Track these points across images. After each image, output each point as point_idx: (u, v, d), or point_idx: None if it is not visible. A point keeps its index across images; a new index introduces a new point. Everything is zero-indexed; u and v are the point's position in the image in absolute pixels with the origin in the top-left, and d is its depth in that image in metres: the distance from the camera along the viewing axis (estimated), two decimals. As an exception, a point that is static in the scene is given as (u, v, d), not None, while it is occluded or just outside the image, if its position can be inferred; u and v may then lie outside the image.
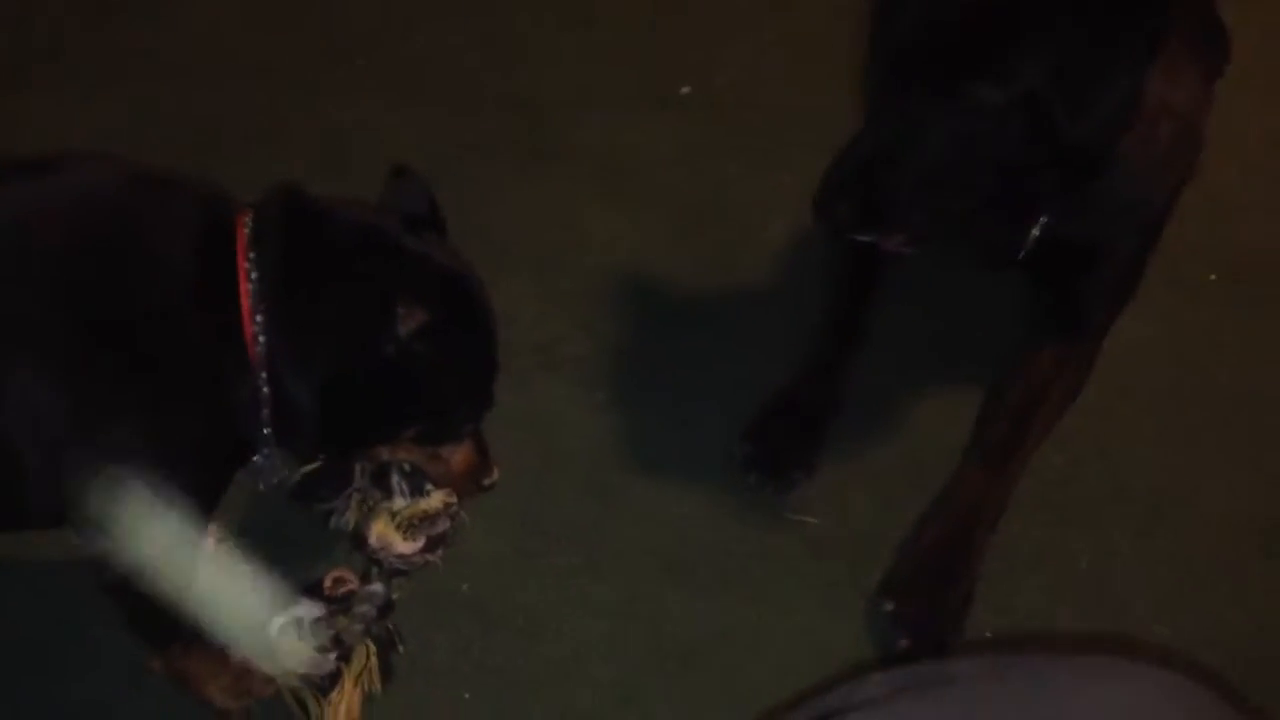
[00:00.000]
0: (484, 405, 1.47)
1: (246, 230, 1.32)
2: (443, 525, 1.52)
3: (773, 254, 2.03)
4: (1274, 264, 2.00)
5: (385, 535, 1.51)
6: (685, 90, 2.25)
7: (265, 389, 1.33)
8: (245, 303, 1.30)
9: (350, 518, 1.54)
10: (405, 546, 1.51)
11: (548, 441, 1.76)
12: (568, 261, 2.00)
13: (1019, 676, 0.86)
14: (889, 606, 1.59)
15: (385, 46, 2.36)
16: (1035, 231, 1.63)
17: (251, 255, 1.31)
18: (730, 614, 1.62)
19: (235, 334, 1.31)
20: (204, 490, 1.37)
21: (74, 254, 1.28)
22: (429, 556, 1.54)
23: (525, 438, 1.73)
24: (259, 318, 1.31)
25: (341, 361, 1.35)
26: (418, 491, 1.51)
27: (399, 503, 1.52)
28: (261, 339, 1.31)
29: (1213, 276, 1.99)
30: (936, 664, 0.95)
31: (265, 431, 1.37)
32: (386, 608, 1.51)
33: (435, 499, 1.51)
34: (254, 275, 1.31)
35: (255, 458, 1.41)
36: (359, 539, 1.53)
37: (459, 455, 1.50)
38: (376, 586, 1.51)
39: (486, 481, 1.52)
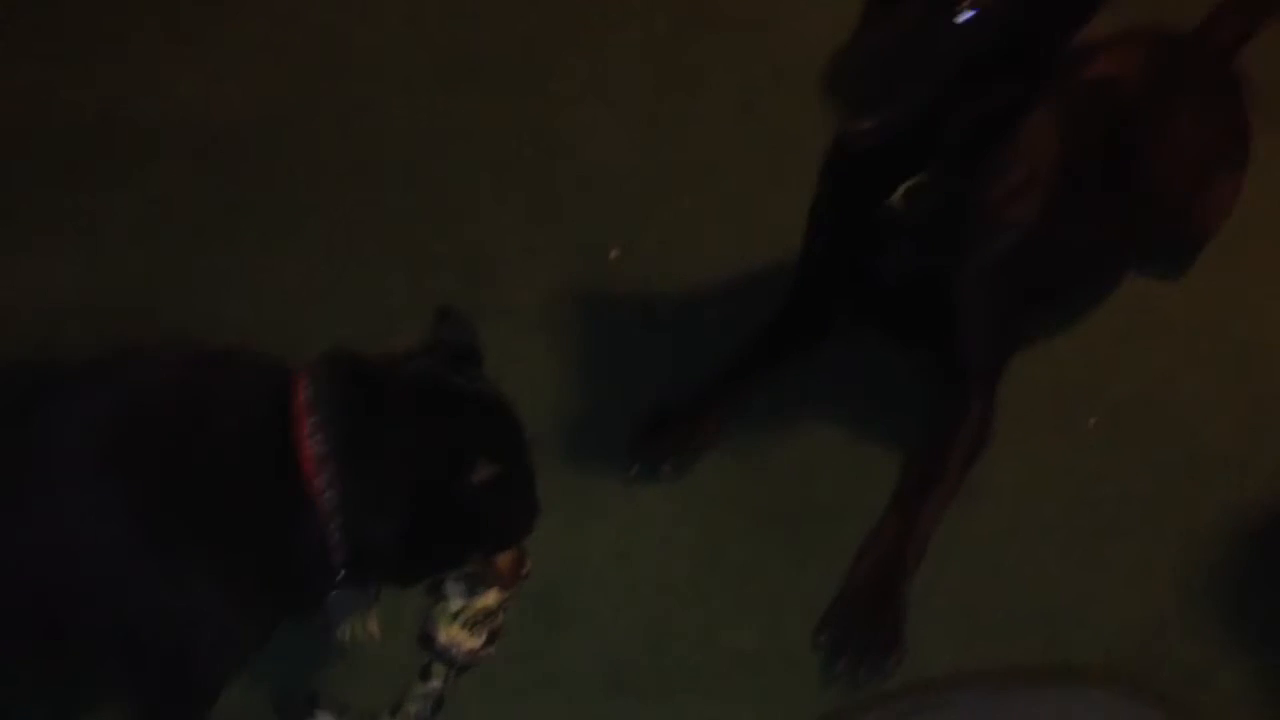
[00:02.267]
0: (534, 524, 1.62)
1: (305, 394, 1.42)
2: (500, 619, 1.68)
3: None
4: (1147, 411, 2.20)
5: (454, 635, 1.66)
6: (614, 254, 2.43)
7: (339, 537, 1.42)
8: (308, 465, 1.40)
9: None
10: (472, 643, 1.67)
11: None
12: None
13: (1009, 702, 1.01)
14: (827, 640, 1.83)
15: (345, 213, 2.51)
16: (905, 185, 1.87)
17: (312, 419, 1.41)
18: (671, 723, 1.75)
19: (301, 494, 1.40)
20: (259, 642, 1.51)
21: (142, 445, 1.39)
22: (490, 650, 1.69)
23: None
24: (326, 475, 1.40)
25: (416, 510, 1.46)
26: (473, 590, 1.66)
27: (456, 603, 1.67)
28: (329, 494, 1.40)
29: (1092, 421, 2.19)
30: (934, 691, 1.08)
31: (340, 575, 1.47)
32: (440, 703, 1.66)
33: (492, 597, 1.67)
34: (316, 436, 1.40)
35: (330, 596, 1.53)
36: (427, 640, 1.67)
37: (507, 555, 1.67)
38: (434, 684, 1.66)
39: (524, 572, 1.69)
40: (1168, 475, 2.10)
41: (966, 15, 1.68)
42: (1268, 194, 2.47)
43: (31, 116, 2.66)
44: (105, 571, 1.37)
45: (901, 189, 1.89)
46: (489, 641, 1.69)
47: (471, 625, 1.67)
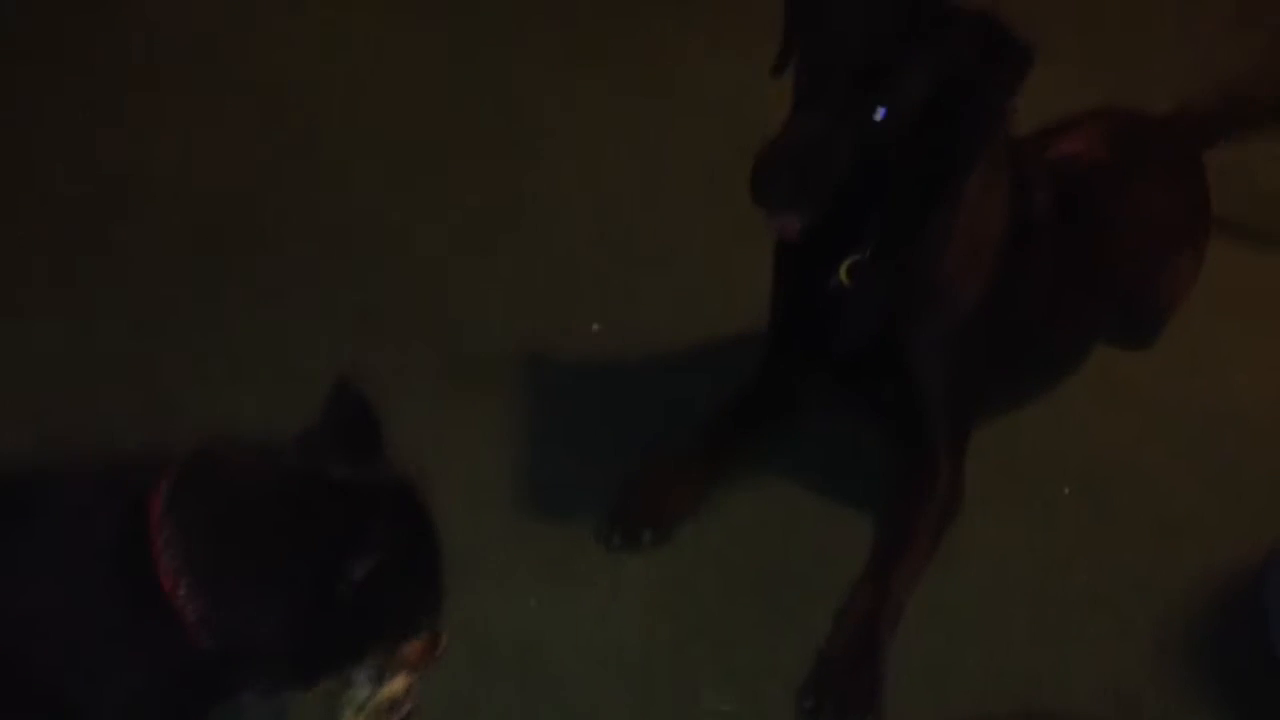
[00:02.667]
0: (438, 608, 1.52)
1: (160, 507, 1.35)
2: (409, 704, 1.57)
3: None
4: (1118, 479, 2.25)
5: None
6: (596, 328, 2.47)
7: (214, 650, 1.35)
8: (165, 581, 1.33)
9: None
10: None
11: (482, 638, 1.88)
12: (493, 479, 2.16)
13: None
14: (809, 704, 1.84)
15: (314, 282, 2.54)
16: (846, 263, 1.96)
17: (164, 534, 1.34)
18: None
19: (165, 610, 1.33)
20: None
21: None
22: None
23: (458, 630, 1.82)
24: (183, 590, 1.33)
25: (292, 615, 1.36)
26: (380, 678, 1.54)
27: (363, 692, 1.54)
28: (190, 608, 1.33)
29: (1066, 490, 2.23)
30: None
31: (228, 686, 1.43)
32: None
33: (399, 684, 1.54)
34: (168, 552, 1.33)
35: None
36: None
37: (413, 644, 1.53)
38: None
39: (439, 652, 1.58)
40: (1140, 541, 2.14)
41: (881, 114, 1.80)
42: (1232, 268, 2.55)
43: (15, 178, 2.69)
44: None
45: (844, 266, 1.97)
46: None
47: (377, 716, 1.56)
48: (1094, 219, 2.25)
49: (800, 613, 1.98)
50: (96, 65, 2.98)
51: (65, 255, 2.52)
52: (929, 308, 2.04)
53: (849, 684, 1.86)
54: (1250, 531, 2.13)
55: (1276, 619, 1.95)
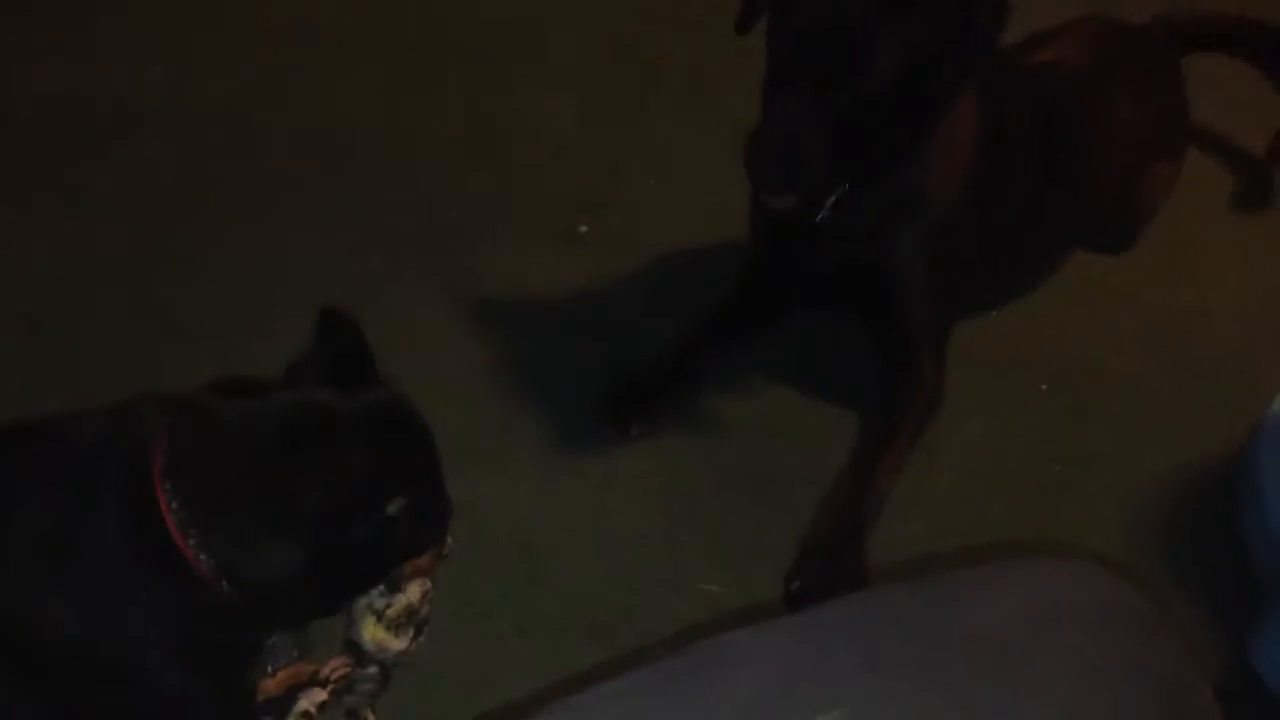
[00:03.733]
0: (447, 522, 1.56)
1: (160, 460, 1.35)
2: (425, 610, 1.63)
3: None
4: (1094, 377, 2.32)
5: (379, 638, 1.60)
6: (583, 229, 2.52)
7: (231, 596, 1.36)
8: (174, 533, 1.34)
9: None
10: (399, 644, 1.61)
11: (478, 524, 1.93)
12: (486, 372, 2.22)
13: (903, 587, 1.08)
14: (794, 585, 1.91)
15: (319, 187, 2.57)
16: (830, 200, 2.01)
17: (167, 485, 1.34)
18: (645, 670, 1.82)
19: (178, 561, 1.34)
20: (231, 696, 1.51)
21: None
22: (419, 642, 1.64)
23: (455, 521, 1.90)
24: (192, 541, 1.34)
25: (310, 554, 1.36)
26: (393, 586, 1.59)
27: (379, 603, 1.59)
28: (202, 558, 1.34)
29: (1044, 386, 2.29)
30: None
31: (254, 626, 1.46)
32: (386, 679, 1.65)
33: (414, 591, 1.60)
34: (173, 504, 1.34)
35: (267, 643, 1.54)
36: (353, 645, 1.61)
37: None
38: (372, 669, 1.62)
39: (445, 552, 1.65)
40: (1114, 436, 2.21)
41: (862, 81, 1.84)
42: (1207, 176, 2.60)
43: (10, 91, 2.72)
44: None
45: (827, 204, 2.03)
46: (416, 636, 1.64)
47: (396, 626, 1.61)
48: (1072, 125, 2.29)
49: (785, 502, 2.05)
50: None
51: (67, 168, 2.55)
52: (907, 217, 2.09)
53: (833, 567, 1.92)
54: (1220, 429, 2.20)
55: (1247, 506, 2.02)
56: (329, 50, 2.93)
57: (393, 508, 1.37)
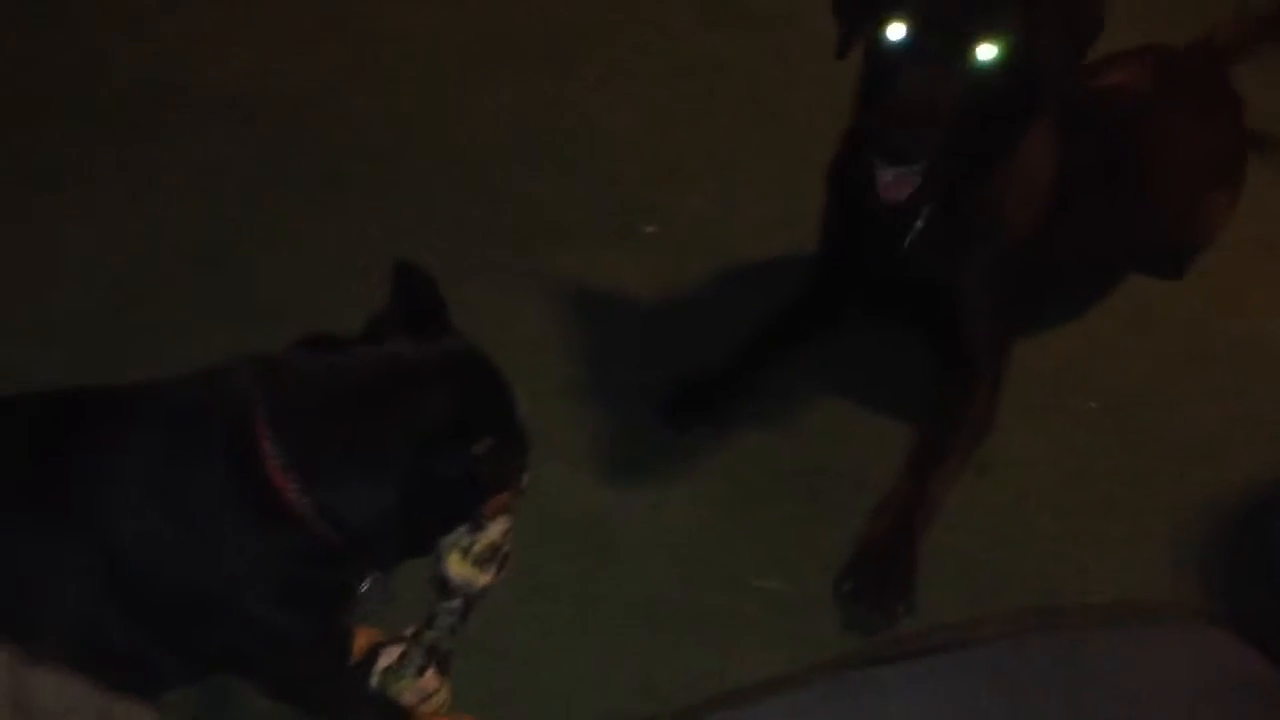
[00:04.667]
0: (525, 459, 1.63)
1: (260, 411, 1.45)
2: (507, 546, 1.71)
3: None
4: (1144, 398, 2.37)
5: (465, 573, 1.68)
6: (650, 229, 2.58)
7: (332, 536, 1.47)
8: (277, 479, 1.44)
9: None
10: (484, 578, 1.69)
11: (545, 509, 2.01)
12: (553, 369, 2.29)
13: (1041, 638, 1.15)
14: (847, 586, 1.97)
15: (388, 182, 2.65)
16: (919, 223, 2.06)
17: (268, 435, 1.44)
18: (701, 661, 1.88)
19: (282, 507, 1.44)
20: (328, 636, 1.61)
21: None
22: (501, 576, 1.72)
23: (526, 505, 1.97)
24: (294, 486, 1.44)
25: (402, 494, 1.46)
26: (478, 525, 1.67)
27: (465, 540, 1.67)
28: (304, 501, 1.44)
29: (1094, 405, 2.35)
30: (953, 629, 1.22)
31: (352, 565, 1.55)
32: (468, 612, 1.72)
33: (496, 529, 1.69)
34: (274, 452, 1.43)
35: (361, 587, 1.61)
36: (440, 580, 1.69)
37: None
38: (456, 602, 1.70)
39: (523, 487, 1.69)
40: (1161, 457, 2.26)
41: (988, 54, 1.89)
42: (1263, 207, 2.64)
43: (92, 77, 2.81)
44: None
45: (918, 225, 2.08)
46: (499, 570, 1.72)
47: (481, 562, 1.69)
48: (1134, 151, 2.33)
49: (841, 507, 2.11)
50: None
51: (147, 151, 2.64)
52: (983, 241, 2.14)
53: (884, 572, 1.98)
54: (1267, 456, 2.25)
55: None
56: (397, 47, 3.00)
57: (478, 447, 1.45)
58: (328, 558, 1.51)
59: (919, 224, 2.07)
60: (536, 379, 2.22)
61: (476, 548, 1.68)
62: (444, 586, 1.71)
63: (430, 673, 1.69)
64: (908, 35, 1.92)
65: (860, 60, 2.02)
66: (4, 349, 2.14)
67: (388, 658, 1.69)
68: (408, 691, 1.68)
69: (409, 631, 1.72)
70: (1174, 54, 2.57)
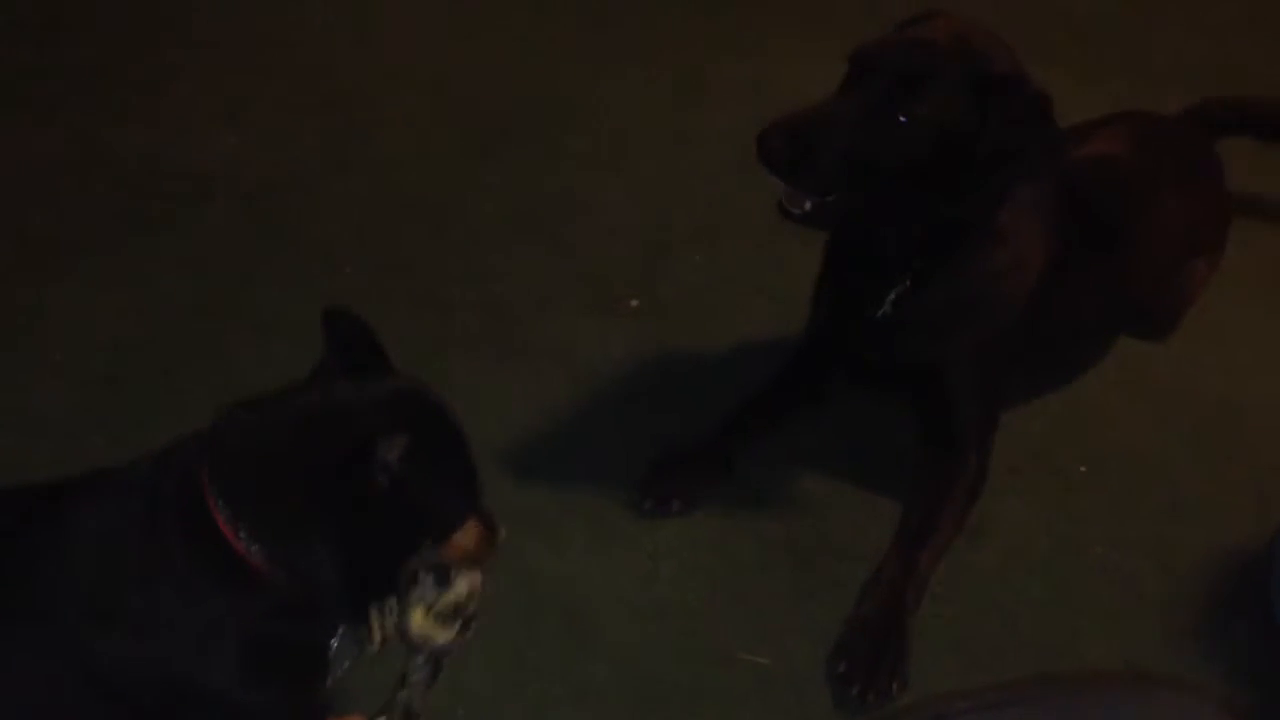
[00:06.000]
0: (477, 493, 1.57)
1: (207, 467, 1.46)
2: (473, 606, 1.66)
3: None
4: (1132, 460, 2.37)
5: (426, 629, 1.63)
6: (634, 304, 2.60)
7: (286, 579, 1.45)
8: (226, 532, 1.43)
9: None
10: (445, 635, 1.65)
11: (530, 591, 2.01)
12: (537, 441, 2.29)
13: (1041, 703, 1.14)
14: (840, 668, 1.95)
15: (380, 263, 2.67)
16: (891, 296, 2.06)
17: (212, 491, 1.44)
18: (693, 740, 1.88)
19: (237, 562, 1.44)
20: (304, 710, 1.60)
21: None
22: (466, 637, 1.67)
23: (510, 588, 1.96)
24: (243, 535, 1.43)
25: (344, 518, 1.44)
26: (443, 579, 1.63)
27: (430, 595, 1.63)
28: (255, 549, 1.43)
29: (1083, 468, 2.35)
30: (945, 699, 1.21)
31: (319, 618, 1.53)
32: (436, 671, 1.69)
33: (462, 586, 1.64)
34: (219, 505, 1.43)
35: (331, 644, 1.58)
36: (401, 633, 1.65)
37: (469, 533, 1.59)
38: (419, 658, 1.67)
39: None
40: (1151, 520, 2.26)
41: (902, 120, 1.90)
42: (1244, 268, 2.66)
43: (87, 160, 2.84)
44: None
45: (889, 299, 2.09)
46: (462, 631, 1.67)
47: (443, 619, 1.65)
48: (1122, 225, 2.33)
49: (831, 579, 2.11)
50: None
51: (142, 230, 2.67)
52: (971, 322, 2.14)
53: (876, 651, 1.96)
54: (1256, 515, 2.25)
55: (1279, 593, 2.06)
56: (388, 127, 3.04)
57: (383, 448, 1.40)
58: (292, 611, 1.50)
59: (890, 298, 2.08)
60: (521, 453, 2.25)
61: (439, 605, 1.64)
62: (404, 641, 1.67)
63: None
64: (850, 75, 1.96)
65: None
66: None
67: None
68: None
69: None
70: (1154, 120, 2.60)
